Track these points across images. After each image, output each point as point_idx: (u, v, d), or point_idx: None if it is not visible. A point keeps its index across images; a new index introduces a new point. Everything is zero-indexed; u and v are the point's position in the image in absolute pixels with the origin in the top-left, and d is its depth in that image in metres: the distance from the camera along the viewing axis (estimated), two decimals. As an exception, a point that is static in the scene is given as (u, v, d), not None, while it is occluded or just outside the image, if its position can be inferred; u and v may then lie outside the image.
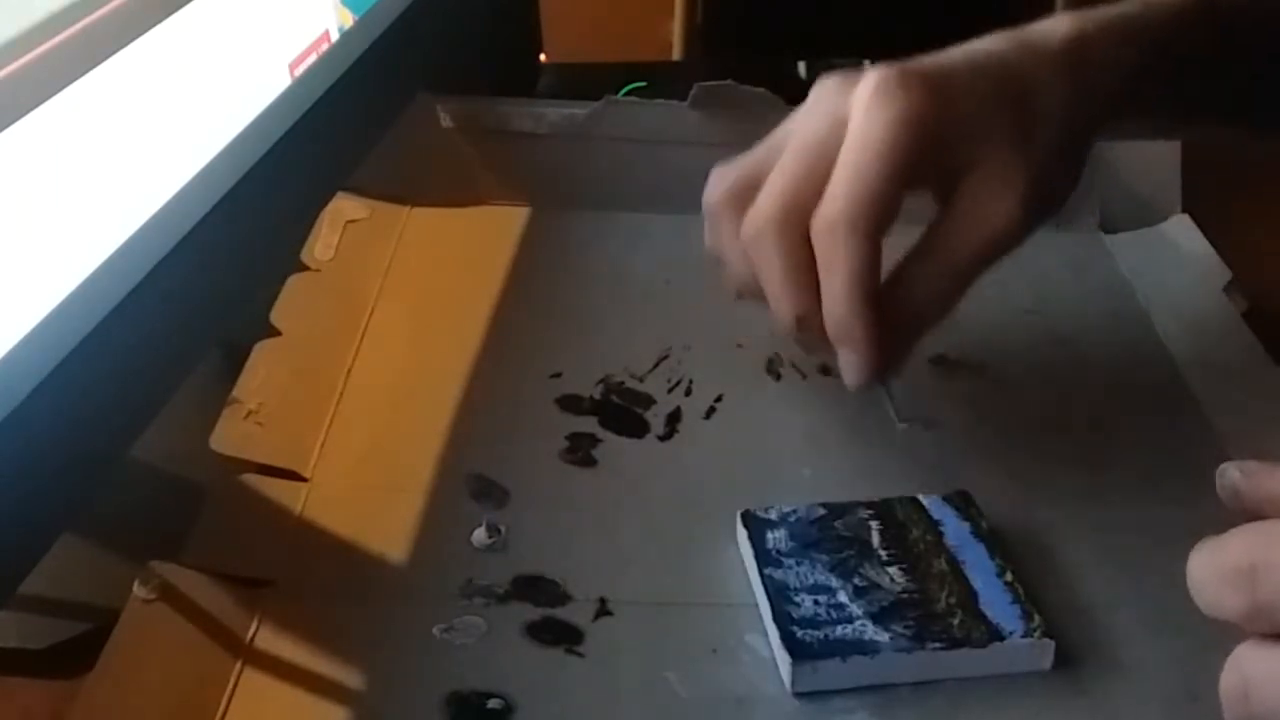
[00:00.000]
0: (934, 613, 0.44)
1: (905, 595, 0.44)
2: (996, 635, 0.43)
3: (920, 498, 0.49)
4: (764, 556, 0.46)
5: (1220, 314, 0.61)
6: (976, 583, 0.45)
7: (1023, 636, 0.43)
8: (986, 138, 0.47)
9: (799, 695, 0.42)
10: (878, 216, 0.46)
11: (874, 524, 0.47)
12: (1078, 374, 0.59)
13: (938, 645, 0.43)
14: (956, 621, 0.43)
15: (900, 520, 0.48)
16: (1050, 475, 0.53)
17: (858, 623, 0.43)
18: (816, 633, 0.43)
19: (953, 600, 0.44)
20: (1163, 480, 0.52)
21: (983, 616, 0.44)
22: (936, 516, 0.48)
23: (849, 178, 0.46)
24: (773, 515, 0.48)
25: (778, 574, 0.45)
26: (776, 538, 0.47)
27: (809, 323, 0.47)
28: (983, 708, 0.42)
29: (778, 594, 0.44)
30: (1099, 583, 0.47)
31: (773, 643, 0.44)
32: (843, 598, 0.44)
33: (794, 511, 0.48)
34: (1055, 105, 0.48)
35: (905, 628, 0.43)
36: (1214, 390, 0.57)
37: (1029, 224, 0.47)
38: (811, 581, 0.45)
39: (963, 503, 0.49)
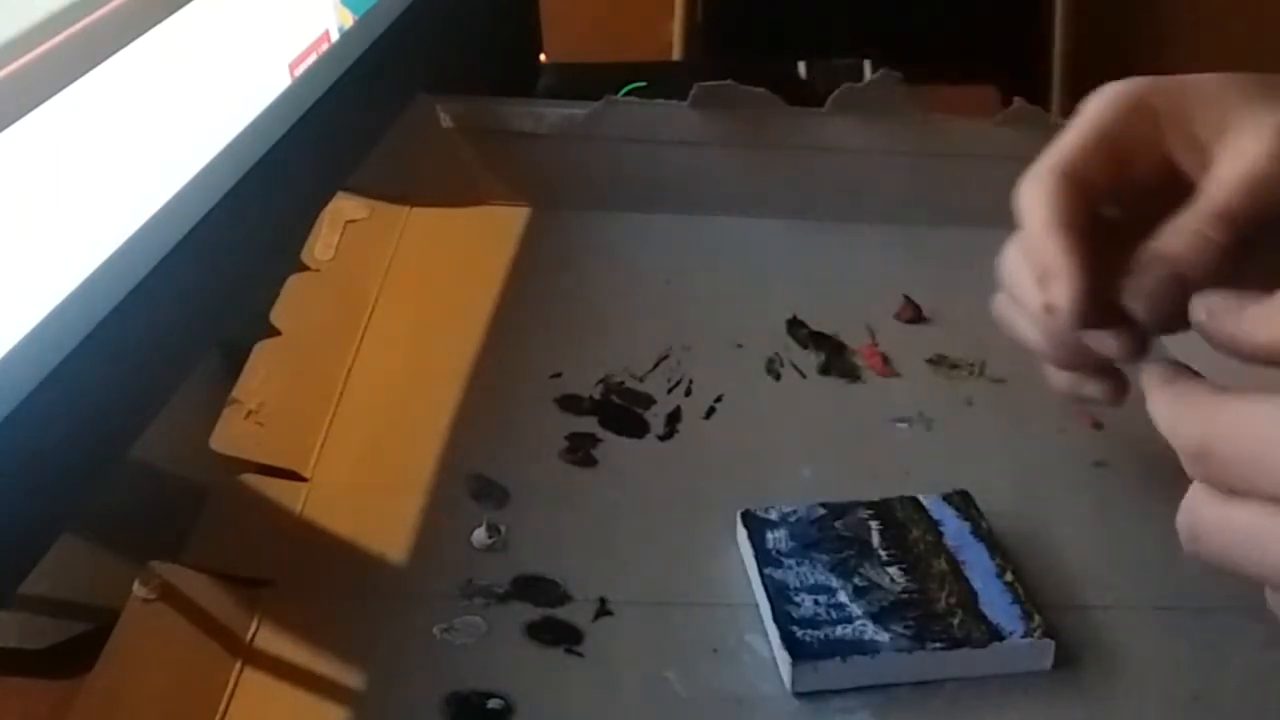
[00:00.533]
0: (934, 613, 0.44)
1: (905, 595, 0.44)
2: (996, 635, 0.43)
3: (920, 498, 0.49)
4: (764, 556, 0.46)
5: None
6: (976, 583, 0.45)
7: (1023, 636, 0.43)
8: (1229, 98, 0.47)
9: (799, 695, 0.42)
10: (1064, 159, 0.46)
11: (874, 524, 0.47)
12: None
13: (938, 645, 0.43)
14: (956, 621, 0.43)
15: (900, 520, 0.48)
16: (1050, 475, 0.53)
17: (858, 623, 0.43)
18: (816, 632, 0.43)
19: (953, 600, 0.44)
20: (1163, 480, 0.52)
21: (983, 616, 0.44)
22: (936, 516, 0.48)
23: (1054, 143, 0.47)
24: (773, 515, 0.48)
25: (778, 574, 0.45)
26: (776, 538, 0.47)
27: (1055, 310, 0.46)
28: (983, 707, 0.42)
29: (778, 594, 0.44)
30: (1099, 583, 0.47)
31: (773, 642, 0.44)
32: (843, 598, 0.44)
33: (794, 511, 0.48)
34: None
35: (905, 628, 0.43)
36: (1214, 390, 0.57)
37: None
38: (812, 581, 0.45)
39: (963, 503, 0.49)
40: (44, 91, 0.38)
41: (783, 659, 0.43)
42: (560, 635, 0.45)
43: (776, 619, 0.44)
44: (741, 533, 0.48)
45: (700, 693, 0.43)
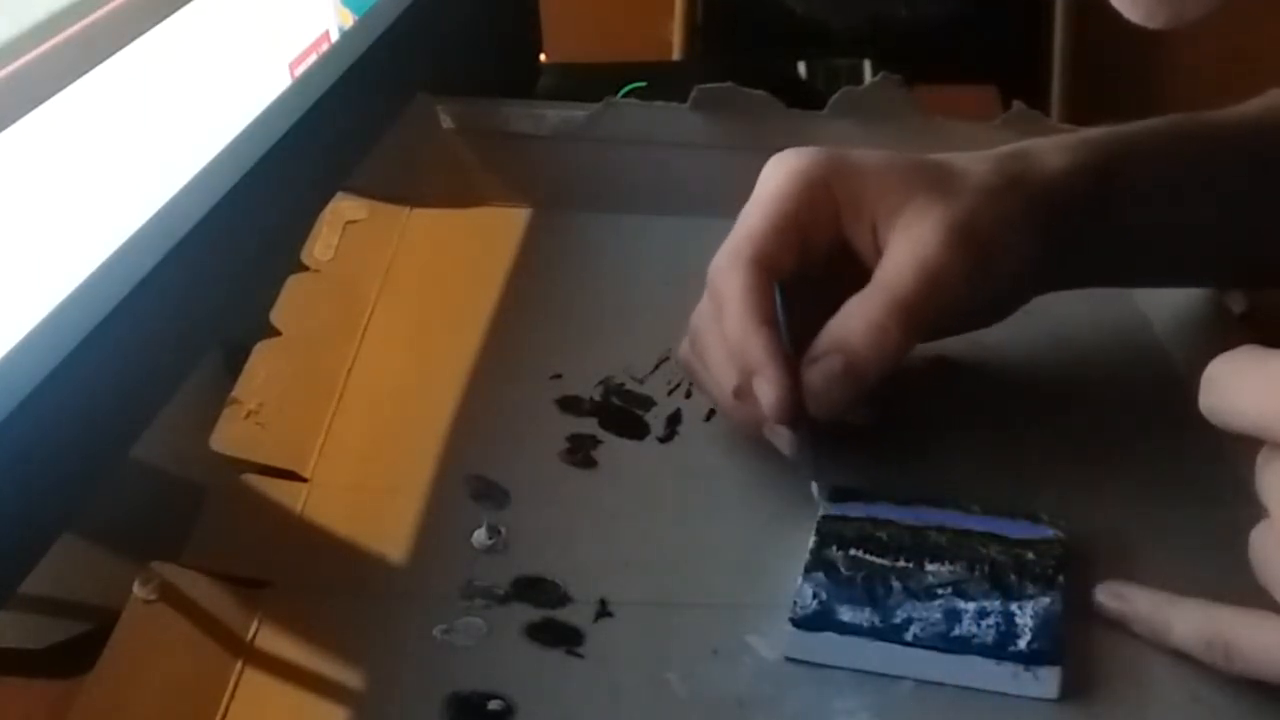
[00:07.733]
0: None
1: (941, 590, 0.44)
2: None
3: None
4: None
5: (1220, 315, 0.61)
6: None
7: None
8: (903, 187, 0.49)
9: (799, 695, 0.42)
10: (760, 249, 0.48)
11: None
12: (1078, 374, 0.59)
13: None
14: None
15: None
16: (1050, 476, 0.53)
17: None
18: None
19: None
20: (1162, 481, 0.52)
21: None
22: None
23: (736, 227, 0.49)
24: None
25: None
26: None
27: (746, 392, 0.47)
28: (983, 707, 0.42)
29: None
30: (1098, 583, 0.47)
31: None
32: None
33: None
34: (973, 180, 0.50)
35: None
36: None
37: (962, 265, 0.47)
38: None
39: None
40: (44, 91, 0.38)
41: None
42: (561, 636, 0.45)
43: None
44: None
45: (700, 693, 0.43)
